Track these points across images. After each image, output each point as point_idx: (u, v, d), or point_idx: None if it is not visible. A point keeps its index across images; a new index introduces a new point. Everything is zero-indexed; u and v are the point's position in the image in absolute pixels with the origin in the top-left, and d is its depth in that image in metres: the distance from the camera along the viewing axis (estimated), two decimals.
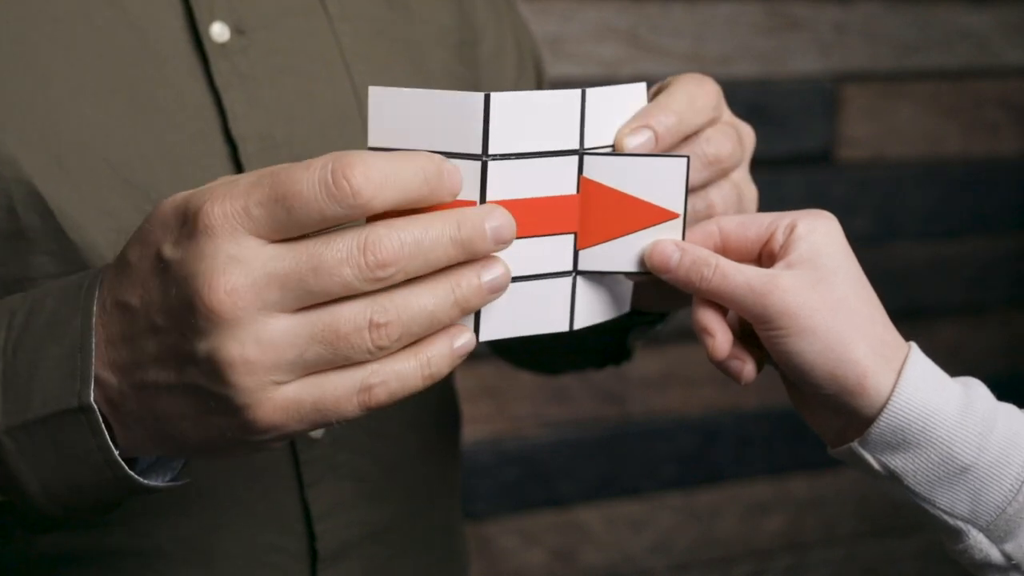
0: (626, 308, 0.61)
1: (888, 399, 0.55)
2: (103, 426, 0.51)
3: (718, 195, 0.63)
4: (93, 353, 0.50)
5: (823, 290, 0.55)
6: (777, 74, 1.64)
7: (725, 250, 0.59)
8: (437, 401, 0.81)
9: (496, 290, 0.51)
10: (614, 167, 0.56)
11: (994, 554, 0.57)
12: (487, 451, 1.59)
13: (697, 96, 0.62)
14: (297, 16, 0.69)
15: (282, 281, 0.46)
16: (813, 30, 1.65)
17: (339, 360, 0.48)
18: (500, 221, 0.50)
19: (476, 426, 1.56)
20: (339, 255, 0.46)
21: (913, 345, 0.58)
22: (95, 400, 0.50)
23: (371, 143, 0.51)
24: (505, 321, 0.54)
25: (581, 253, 0.57)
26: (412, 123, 0.51)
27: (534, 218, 0.54)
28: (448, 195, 0.49)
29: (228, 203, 0.47)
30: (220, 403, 0.48)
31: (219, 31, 0.66)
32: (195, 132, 0.64)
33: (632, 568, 1.70)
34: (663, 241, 0.57)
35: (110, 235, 0.61)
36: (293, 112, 0.68)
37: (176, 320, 0.48)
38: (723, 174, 0.63)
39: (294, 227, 0.47)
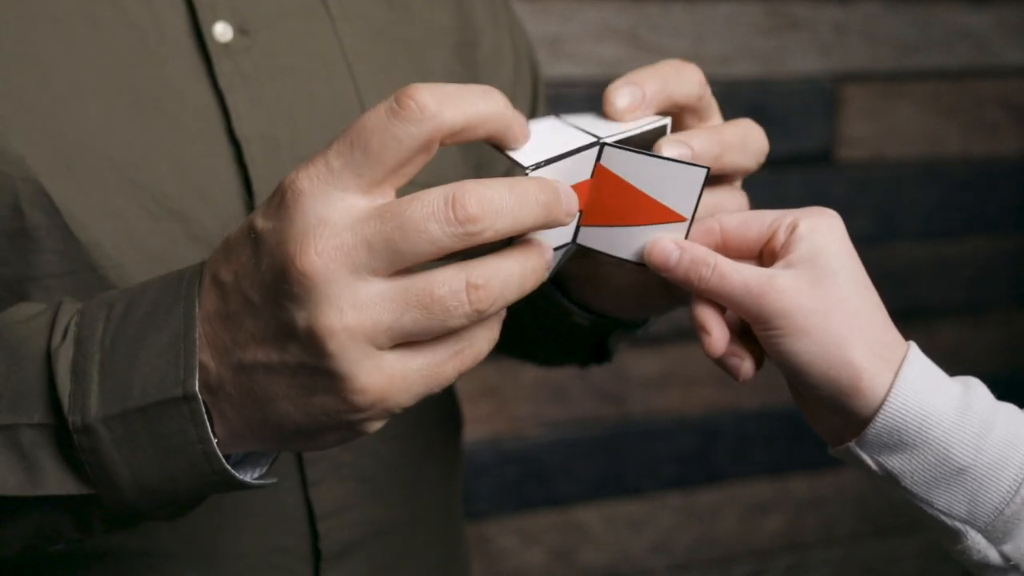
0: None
1: (884, 400, 0.55)
2: (205, 417, 0.50)
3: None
4: (197, 343, 0.50)
5: (822, 291, 0.55)
6: (777, 74, 1.64)
7: (726, 248, 0.59)
8: (439, 402, 0.81)
9: (550, 265, 0.51)
10: (632, 162, 0.56)
11: (992, 555, 0.57)
12: (487, 451, 1.59)
13: (683, 69, 0.62)
14: (299, 16, 0.70)
15: (369, 241, 0.46)
16: (813, 30, 1.65)
17: (435, 325, 0.47)
18: (566, 191, 0.50)
19: (476, 426, 1.56)
20: (426, 210, 0.46)
21: (912, 345, 0.57)
22: (198, 389, 0.50)
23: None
24: None
25: (582, 230, 0.58)
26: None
27: None
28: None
29: (311, 167, 0.47)
30: (323, 379, 0.47)
31: (222, 31, 0.66)
32: (198, 132, 0.65)
33: (632, 568, 1.70)
34: (664, 239, 0.57)
35: (115, 234, 0.61)
36: (296, 112, 0.68)
37: (270, 292, 0.47)
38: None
39: (374, 164, 0.46)
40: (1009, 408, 0.58)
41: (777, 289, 0.55)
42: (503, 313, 0.50)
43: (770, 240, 0.58)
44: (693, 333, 0.59)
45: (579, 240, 0.58)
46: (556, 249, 0.56)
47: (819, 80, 1.66)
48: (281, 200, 0.47)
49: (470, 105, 0.47)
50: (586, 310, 0.72)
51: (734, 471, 1.74)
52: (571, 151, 0.54)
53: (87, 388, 0.51)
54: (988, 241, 1.81)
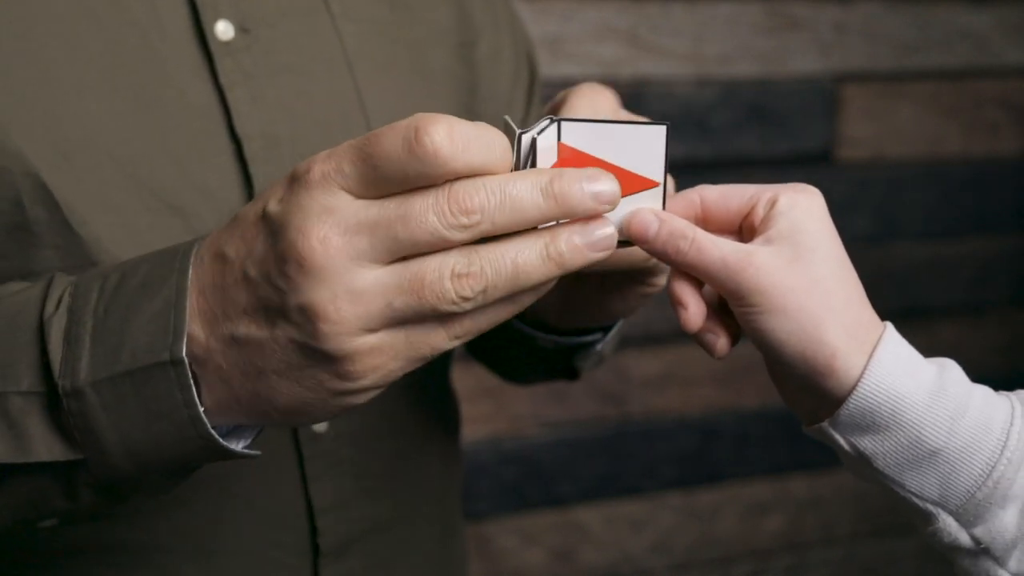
0: None
1: (858, 381, 0.55)
2: (191, 381, 0.51)
3: None
4: (187, 310, 0.51)
5: (799, 269, 0.55)
6: (777, 74, 1.64)
7: (706, 221, 0.59)
8: (437, 399, 0.81)
9: (601, 249, 0.51)
10: (592, 134, 0.55)
11: (963, 538, 0.57)
12: (487, 451, 1.59)
13: (598, 102, 0.63)
14: (301, 15, 0.70)
15: (371, 229, 0.48)
16: (813, 30, 1.65)
17: (426, 310, 0.48)
18: (598, 179, 0.50)
19: (476, 426, 1.56)
20: (425, 203, 0.47)
21: (888, 326, 0.57)
22: (186, 355, 0.51)
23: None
24: None
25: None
26: None
27: None
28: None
29: (327, 162, 0.49)
30: (314, 357, 0.49)
31: (223, 29, 0.66)
32: (199, 129, 0.65)
33: (632, 568, 1.70)
34: (643, 210, 0.56)
35: (115, 230, 0.62)
36: (296, 110, 0.68)
37: (268, 271, 0.49)
38: None
39: (382, 184, 0.48)
40: (984, 391, 0.57)
41: (755, 265, 0.55)
42: (518, 295, 0.51)
43: (749, 214, 0.58)
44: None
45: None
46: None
47: (819, 80, 1.67)
48: (295, 187, 0.49)
49: (479, 156, 0.48)
50: (545, 329, 0.73)
51: (734, 471, 1.74)
52: (529, 136, 0.53)
53: (78, 353, 0.52)
54: (988, 241, 1.81)
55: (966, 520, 0.57)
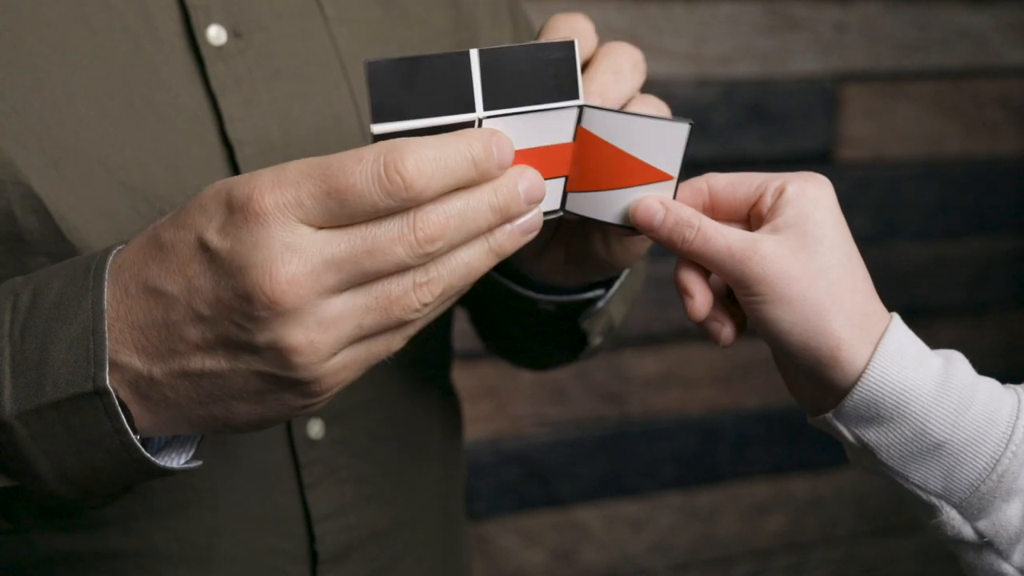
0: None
1: (862, 373, 0.55)
2: (119, 409, 0.51)
3: None
4: (107, 336, 0.50)
5: (805, 258, 0.55)
6: (777, 74, 1.64)
7: (714, 209, 0.58)
8: (437, 402, 0.81)
9: (530, 230, 0.53)
10: (615, 123, 0.56)
11: (967, 531, 0.57)
12: (487, 451, 1.59)
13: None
14: (294, 19, 0.69)
15: (338, 265, 0.48)
16: (813, 30, 1.65)
17: (393, 323, 0.50)
18: (531, 182, 0.52)
19: (476, 426, 1.56)
20: (392, 235, 0.48)
21: (894, 317, 0.57)
22: (111, 384, 0.50)
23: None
24: None
25: (569, 196, 0.58)
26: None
27: (532, 164, 0.55)
28: (499, 170, 0.51)
29: (279, 192, 0.47)
30: (284, 382, 0.49)
31: (216, 34, 0.66)
32: (192, 135, 0.64)
33: (632, 568, 1.70)
34: (649, 198, 0.56)
35: (107, 237, 0.61)
36: (290, 115, 0.68)
37: (228, 310, 0.48)
38: None
39: (345, 218, 0.48)
40: (991, 384, 0.57)
41: (760, 254, 0.55)
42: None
43: (757, 203, 0.57)
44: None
45: (568, 207, 0.58)
46: (546, 216, 0.56)
47: (819, 80, 1.66)
48: (243, 220, 0.48)
49: (447, 180, 0.49)
50: (546, 291, 0.73)
51: (734, 471, 1.74)
52: (540, 109, 0.54)
53: (1, 384, 0.51)
54: (988, 241, 1.81)
55: (970, 513, 0.56)
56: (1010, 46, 1.76)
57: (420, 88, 0.51)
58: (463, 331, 0.93)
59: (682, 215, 0.56)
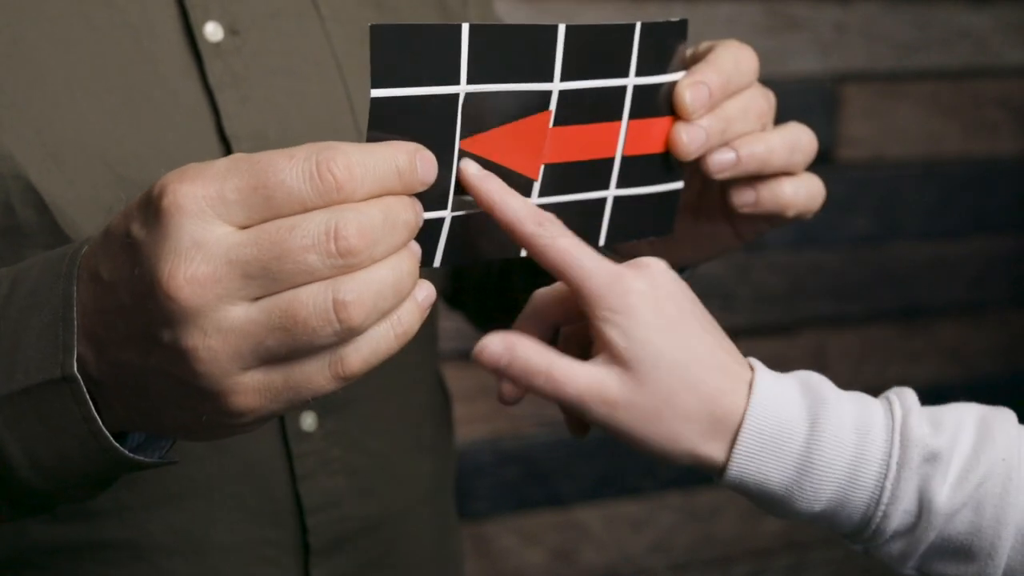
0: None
1: (724, 469, 0.56)
2: (87, 396, 0.50)
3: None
4: (76, 322, 0.50)
5: (647, 393, 0.54)
6: (777, 74, 1.64)
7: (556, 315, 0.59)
8: (428, 396, 0.81)
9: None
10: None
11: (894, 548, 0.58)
12: (486, 450, 1.59)
13: (741, 59, 0.65)
14: (290, 17, 0.70)
15: (244, 269, 0.45)
16: (813, 30, 1.65)
17: (301, 345, 0.46)
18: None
19: (475, 426, 1.56)
20: (305, 242, 0.45)
21: (747, 414, 0.56)
22: (79, 371, 0.50)
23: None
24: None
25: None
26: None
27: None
28: (420, 187, 0.49)
29: (200, 185, 0.46)
30: (193, 390, 0.48)
31: (213, 31, 0.66)
32: (189, 131, 0.65)
33: (632, 568, 1.70)
34: (491, 343, 0.54)
35: None
36: (286, 111, 0.68)
37: (141, 301, 0.47)
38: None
39: (270, 215, 0.46)
40: (854, 416, 0.57)
41: (608, 403, 0.54)
42: (401, 319, 0.49)
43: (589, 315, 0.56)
44: None
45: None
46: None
47: (819, 80, 1.66)
48: (156, 210, 0.46)
49: (376, 185, 0.47)
50: None
51: None
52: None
53: None
54: (988, 241, 1.81)
55: (881, 539, 0.58)
56: (1010, 46, 1.76)
57: (423, 56, 0.50)
58: (463, 331, 0.93)
59: (530, 364, 0.54)
